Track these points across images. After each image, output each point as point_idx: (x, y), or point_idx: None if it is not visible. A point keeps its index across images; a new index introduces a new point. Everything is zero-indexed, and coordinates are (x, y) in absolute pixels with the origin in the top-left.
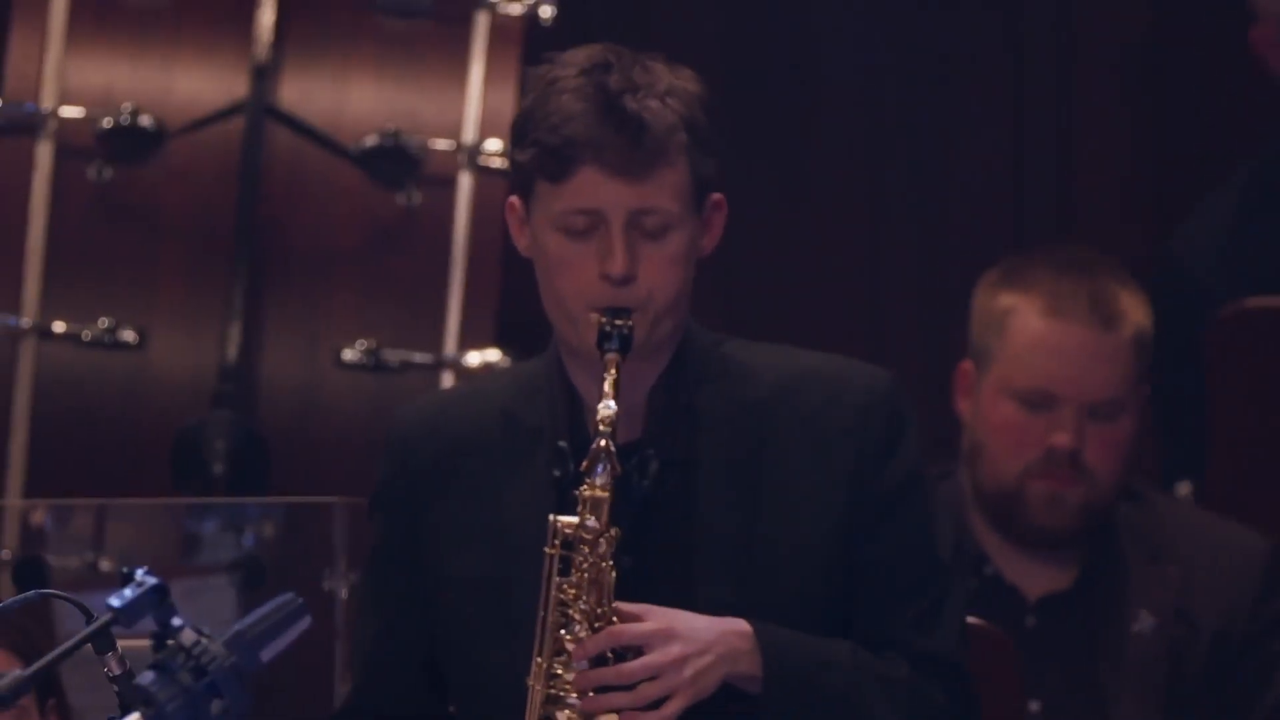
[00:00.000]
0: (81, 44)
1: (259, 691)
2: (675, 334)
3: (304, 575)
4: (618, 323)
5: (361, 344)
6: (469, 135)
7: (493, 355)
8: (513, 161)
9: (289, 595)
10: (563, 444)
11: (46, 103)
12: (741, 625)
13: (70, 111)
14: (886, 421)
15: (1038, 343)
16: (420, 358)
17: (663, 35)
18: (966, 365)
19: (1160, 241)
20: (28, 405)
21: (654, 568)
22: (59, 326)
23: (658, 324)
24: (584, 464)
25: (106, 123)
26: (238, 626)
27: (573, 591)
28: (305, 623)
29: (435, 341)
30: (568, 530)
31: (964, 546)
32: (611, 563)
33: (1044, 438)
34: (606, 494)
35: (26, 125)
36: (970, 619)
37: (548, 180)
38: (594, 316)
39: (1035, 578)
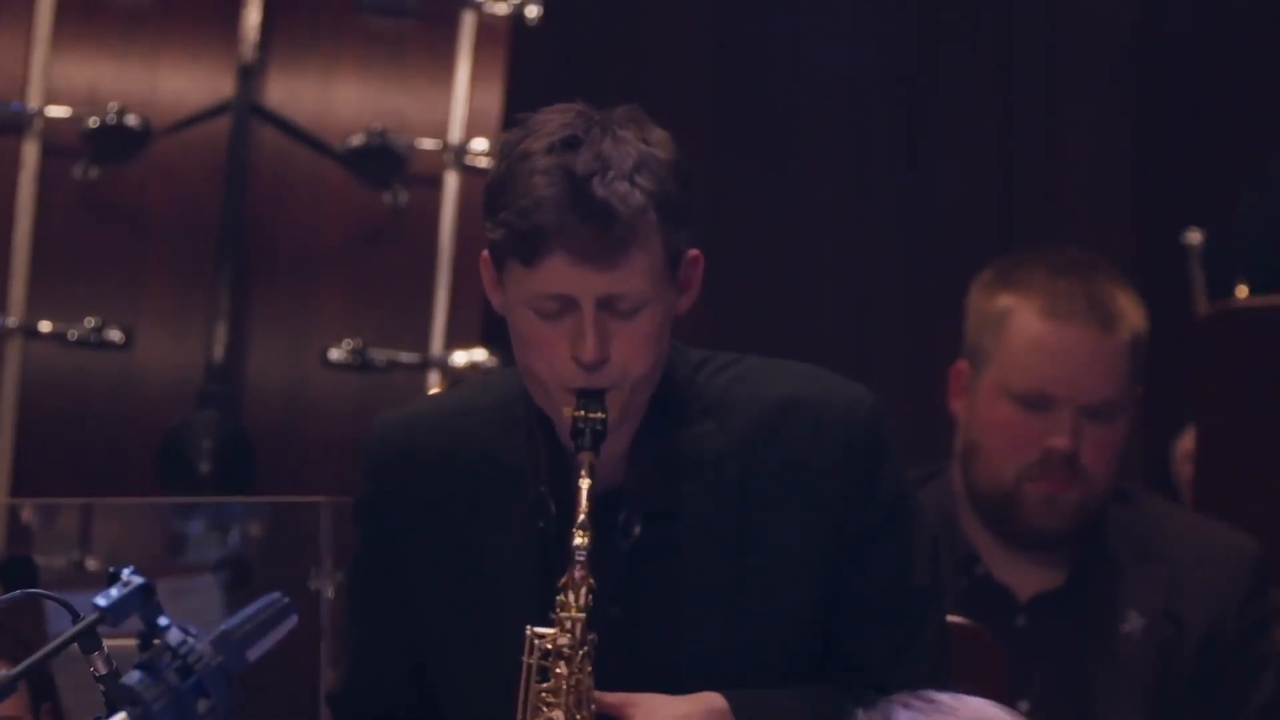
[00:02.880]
0: (67, 43)
1: (245, 691)
2: (652, 389)
3: (290, 574)
4: (591, 417)
5: (348, 343)
6: (455, 135)
7: (479, 355)
8: (487, 231)
9: (275, 595)
10: (543, 489)
11: (32, 102)
12: (719, 703)
13: (56, 111)
14: (869, 455)
15: (1036, 344)
16: (407, 357)
17: (650, 37)
18: (961, 365)
19: (1148, 244)
20: (14, 405)
21: (641, 617)
22: (45, 326)
23: (634, 396)
24: (562, 580)
25: (92, 122)
26: (224, 626)
27: (552, 699)
28: (292, 622)
29: (422, 341)
30: (546, 645)
31: (955, 546)
32: (591, 669)
33: (1041, 439)
34: (583, 616)
35: (12, 125)
36: (958, 619)
37: (518, 262)
38: (567, 411)
39: (1026, 577)
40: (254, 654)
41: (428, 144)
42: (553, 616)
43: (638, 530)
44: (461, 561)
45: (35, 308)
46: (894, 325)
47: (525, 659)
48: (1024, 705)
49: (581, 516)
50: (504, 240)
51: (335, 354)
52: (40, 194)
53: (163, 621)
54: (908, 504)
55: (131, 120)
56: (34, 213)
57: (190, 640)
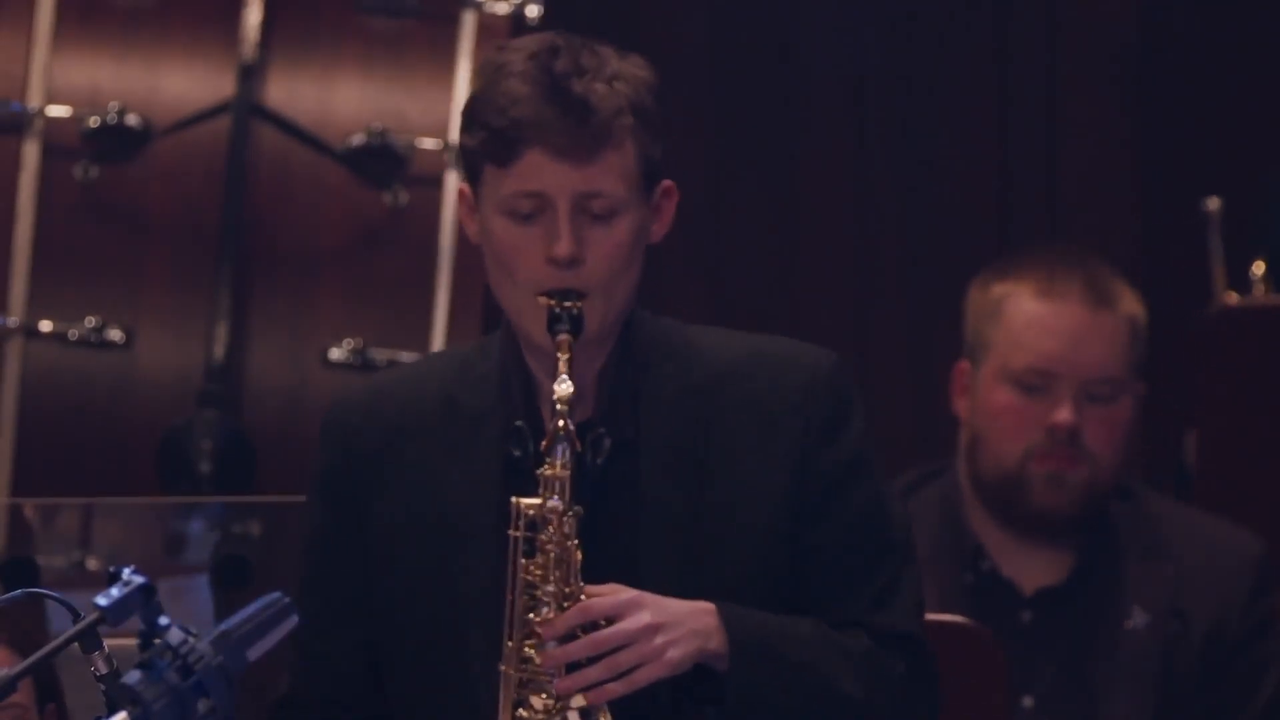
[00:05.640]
0: (68, 43)
1: (245, 691)
2: (623, 318)
3: (290, 574)
4: (566, 304)
5: (348, 343)
6: (455, 135)
7: None
8: (462, 148)
9: (275, 595)
10: (520, 423)
11: (33, 102)
12: (706, 604)
13: (57, 111)
14: (831, 401)
15: (1034, 322)
16: (407, 357)
17: (650, 34)
18: (963, 365)
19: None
20: (14, 404)
21: (602, 549)
22: (45, 326)
23: (609, 309)
24: (544, 443)
25: (93, 122)
26: (224, 626)
27: (539, 573)
28: (292, 622)
29: (422, 340)
30: (531, 511)
31: (961, 541)
32: (577, 541)
33: (1044, 419)
34: (567, 472)
35: (13, 125)
36: (959, 618)
37: (494, 164)
38: (542, 300)
39: (1031, 572)
40: (254, 654)
41: (428, 144)
42: (537, 475)
43: (607, 445)
44: (424, 504)
45: (35, 308)
46: (894, 325)
47: (511, 532)
48: (1028, 700)
49: (563, 382)
50: (480, 144)
51: (335, 354)
52: (40, 194)
53: (163, 621)
54: (873, 459)
55: (131, 120)
56: (34, 213)
57: (190, 640)
